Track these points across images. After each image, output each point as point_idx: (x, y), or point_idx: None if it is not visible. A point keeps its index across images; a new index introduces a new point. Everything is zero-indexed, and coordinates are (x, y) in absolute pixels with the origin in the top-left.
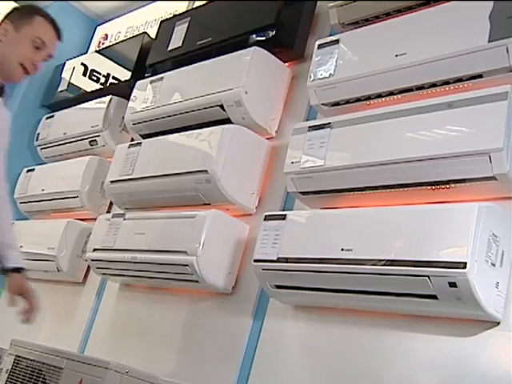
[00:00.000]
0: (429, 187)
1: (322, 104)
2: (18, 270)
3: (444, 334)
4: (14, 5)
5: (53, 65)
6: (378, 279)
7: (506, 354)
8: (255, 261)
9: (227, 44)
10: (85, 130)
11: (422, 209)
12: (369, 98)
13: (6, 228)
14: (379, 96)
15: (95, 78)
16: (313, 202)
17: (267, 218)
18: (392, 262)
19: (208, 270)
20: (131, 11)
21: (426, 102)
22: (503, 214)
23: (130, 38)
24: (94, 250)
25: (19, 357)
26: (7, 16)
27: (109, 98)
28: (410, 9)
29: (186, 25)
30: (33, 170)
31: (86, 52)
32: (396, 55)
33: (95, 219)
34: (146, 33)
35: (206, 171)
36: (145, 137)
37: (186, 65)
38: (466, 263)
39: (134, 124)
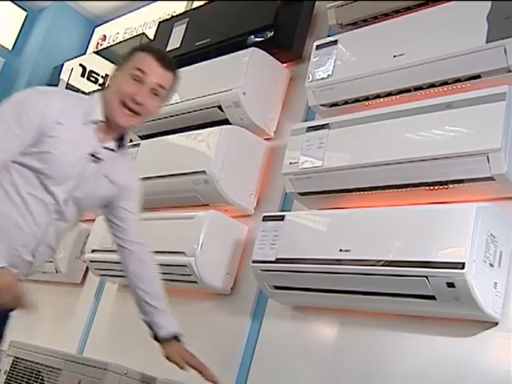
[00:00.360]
0: (427, 188)
1: (321, 105)
2: (175, 337)
3: (442, 334)
4: (13, 5)
5: (51, 66)
6: (376, 280)
7: (505, 354)
8: (254, 261)
9: (225, 45)
10: None
11: (421, 209)
12: (367, 98)
13: (158, 290)
14: (377, 97)
15: (93, 79)
16: (311, 203)
17: (266, 218)
18: (390, 263)
19: (206, 270)
20: (129, 12)
21: (425, 102)
22: (501, 214)
23: (129, 38)
24: (93, 251)
25: (18, 358)
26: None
27: None
28: (408, 9)
29: (185, 26)
30: None
31: (85, 53)
32: (394, 56)
33: (93, 220)
34: (144, 34)
35: (204, 172)
36: (143, 138)
37: (185, 66)
38: (464, 263)
39: None
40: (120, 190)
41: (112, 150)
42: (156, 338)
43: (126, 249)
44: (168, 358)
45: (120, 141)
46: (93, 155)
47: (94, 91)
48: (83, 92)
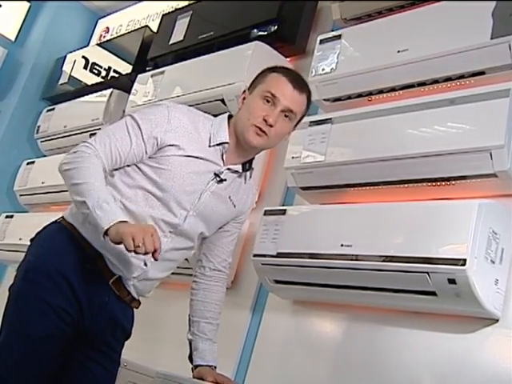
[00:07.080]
0: (429, 183)
1: (324, 99)
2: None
3: (443, 330)
4: (28, 5)
5: (54, 57)
6: (377, 275)
7: (505, 351)
8: (255, 256)
9: (229, 38)
10: (85, 123)
11: (423, 205)
12: (370, 93)
13: (218, 320)
14: (381, 92)
15: (96, 71)
16: (313, 198)
17: (267, 212)
18: (391, 258)
19: None
20: (133, 4)
21: (428, 98)
22: (503, 211)
23: (132, 31)
24: None
25: None
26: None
27: (109, 91)
28: (413, 5)
29: (188, 19)
30: (33, 162)
31: (87, 45)
32: (398, 51)
33: None
34: (147, 26)
35: None
36: None
37: (188, 59)
38: (465, 260)
39: None
40: (237, 214)
41: (236, 171)
42: (190, 356)
43: (208, 269)
44: (199, 375)
45: (246, 165)
46: (216, 175)
47: (214, 115)
48: (86, 84)
